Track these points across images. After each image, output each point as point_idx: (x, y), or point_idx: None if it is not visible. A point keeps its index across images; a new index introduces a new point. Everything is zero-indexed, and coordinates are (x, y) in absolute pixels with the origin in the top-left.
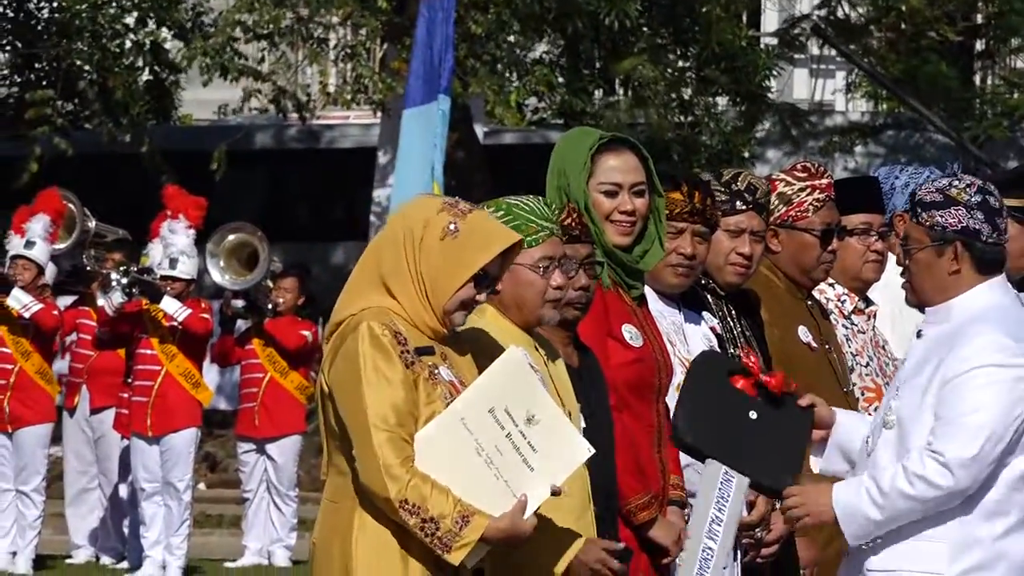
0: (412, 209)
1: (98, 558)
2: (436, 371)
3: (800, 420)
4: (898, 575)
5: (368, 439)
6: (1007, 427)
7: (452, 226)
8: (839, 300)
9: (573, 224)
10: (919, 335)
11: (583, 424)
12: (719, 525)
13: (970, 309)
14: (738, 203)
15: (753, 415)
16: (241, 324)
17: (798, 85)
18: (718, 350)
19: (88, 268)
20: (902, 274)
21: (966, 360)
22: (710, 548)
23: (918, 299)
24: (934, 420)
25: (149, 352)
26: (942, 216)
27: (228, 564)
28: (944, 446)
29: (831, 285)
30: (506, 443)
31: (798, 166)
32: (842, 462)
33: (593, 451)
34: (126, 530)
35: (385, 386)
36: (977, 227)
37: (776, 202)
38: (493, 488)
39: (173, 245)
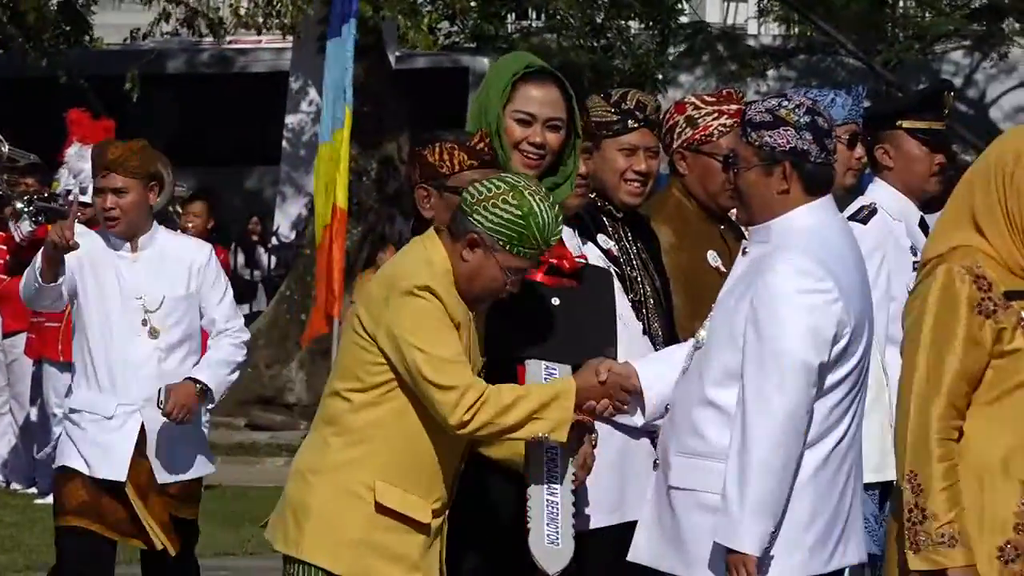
0: (1005, 139)
1: (8, 483)
2: None
3: (601, 287)
4: (697, 494)
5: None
6: (816, 350)
7: None
8: None
9: (485, 148)
10: (743, 252)
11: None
12: None
13: (788, 230)
14: (629, 121)
15: (556, 301)
16: None
17: (710, 9)
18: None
19: (0, 193)
20: (730, 193)
21: (770, 286)
22: (552, 446)
23: (746, 217)
24: (743, 345)
25: None
26: (771, 136)
27: None
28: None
29: None
30: None
31: (710, 93)
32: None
33: None
34: (36, 455)
35: (942, 346)
36: (806, 147)
37: (684, 125)
38: None
39: (83, 171)
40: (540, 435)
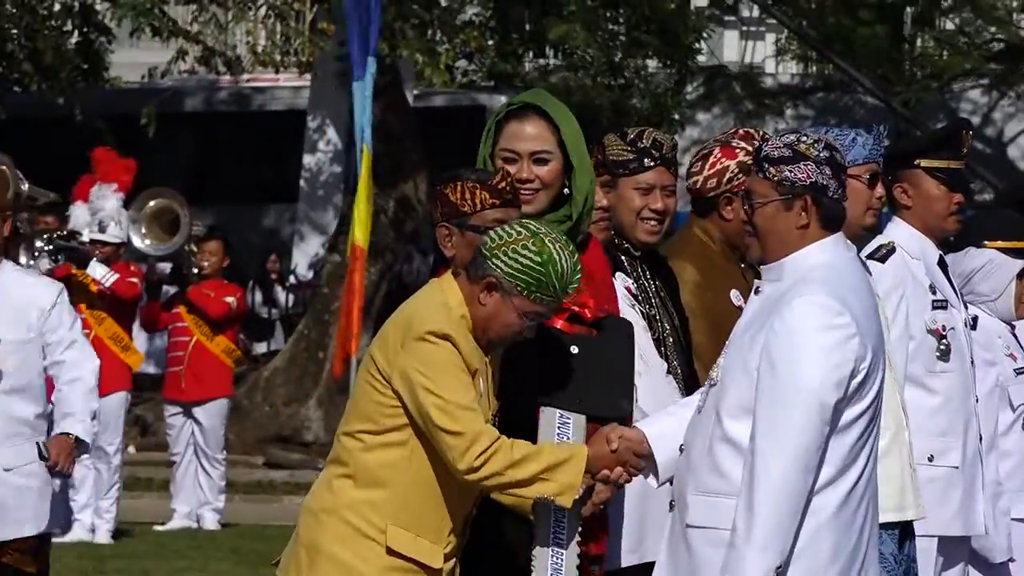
0: None
1: None
2: None
3: (621, 338)
4: (715, 531)
5: None
6: (835, 388)
7: None
8: None
9: (507, 188)
10: (756, 291)
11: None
12: None
13: (803, 267)
14: (646, 160)
15: (574, 349)
16: (168, 289)
17: (728, 48)
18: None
19: (20, 231)
20: (745, 230)
21: (787, 322)
22: (562, 507)
23: (763, 254)
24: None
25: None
26: (791, 171)
27: (157, 527)
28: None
29: None
30: None
31: (753, 135)
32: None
33: None
34: None
35: None
36: (825, 183)
37: (736, 170)
38: None
39: (102, 209)
40: (547, 496)
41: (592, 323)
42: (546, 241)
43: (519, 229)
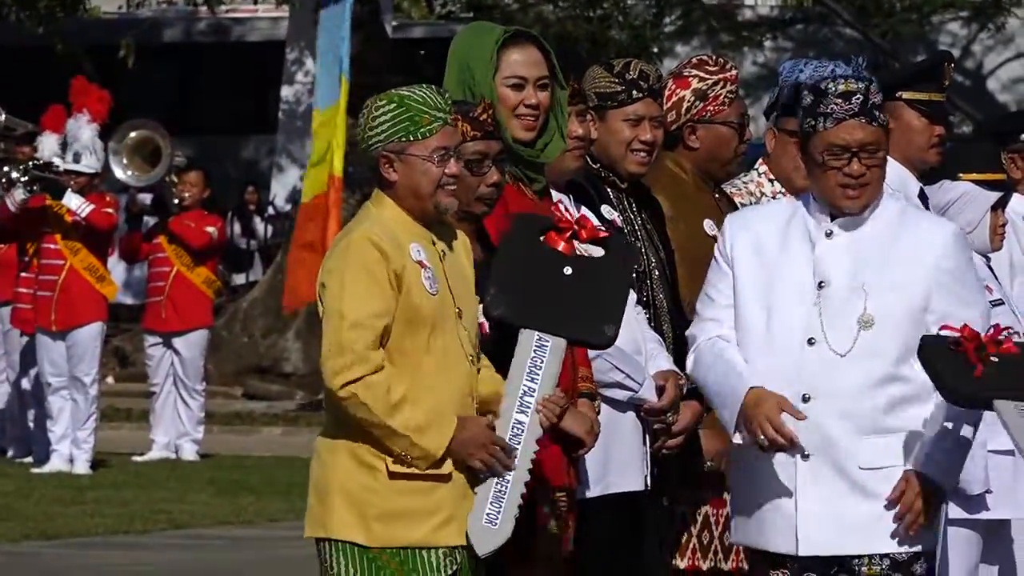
0: None
1: (3, 452)
2: None
3: (621, 263)
4: (892, 469)
5: None
6: None
7: None
8: (774, 197)
9: (488, 120)
10: (828, 235)
11: (480, 319)
12: (531, 397)
13: (885, 206)
14: (634, 92)
15: (568, 270)
16: (148, 220)
17: None
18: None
19: None
20: (856, 184)
21: (956, 259)
22: (519, 423)
23: (867, 200)
24: (944, 311)
25: (53, 247)
26: (885, 117)
27: (136, 458)
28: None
29: (771, 181)
30: None
31: (707, 61)
32: None
33: None
34: (31, 424)
35: None
36: None
37: (692, 98)
38: None
39: (77, 140)
40: (404, 454)
41: (599, 242)
42: (391, 92)
43: (366, 105)
